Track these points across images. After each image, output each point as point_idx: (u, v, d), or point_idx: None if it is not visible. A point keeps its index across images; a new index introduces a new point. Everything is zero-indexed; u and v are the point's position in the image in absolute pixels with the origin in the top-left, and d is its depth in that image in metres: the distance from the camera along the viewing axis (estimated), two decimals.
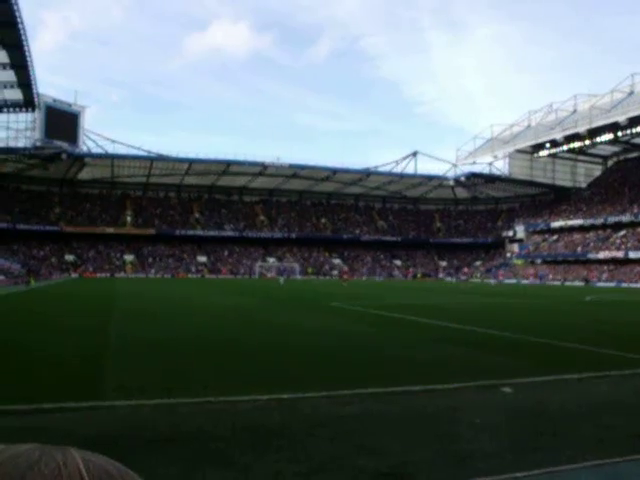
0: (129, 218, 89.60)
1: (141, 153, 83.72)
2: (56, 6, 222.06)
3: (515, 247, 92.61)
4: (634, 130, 72.06)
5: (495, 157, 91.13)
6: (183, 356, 11.25)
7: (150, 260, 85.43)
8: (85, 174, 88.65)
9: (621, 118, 67.72)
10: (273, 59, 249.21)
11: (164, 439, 5.98)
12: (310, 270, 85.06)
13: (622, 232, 76.17)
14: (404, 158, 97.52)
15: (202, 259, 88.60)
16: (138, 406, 7.22)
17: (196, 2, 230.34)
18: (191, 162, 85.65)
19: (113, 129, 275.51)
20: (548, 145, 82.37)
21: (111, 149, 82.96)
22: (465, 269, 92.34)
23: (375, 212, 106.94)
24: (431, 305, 28.00)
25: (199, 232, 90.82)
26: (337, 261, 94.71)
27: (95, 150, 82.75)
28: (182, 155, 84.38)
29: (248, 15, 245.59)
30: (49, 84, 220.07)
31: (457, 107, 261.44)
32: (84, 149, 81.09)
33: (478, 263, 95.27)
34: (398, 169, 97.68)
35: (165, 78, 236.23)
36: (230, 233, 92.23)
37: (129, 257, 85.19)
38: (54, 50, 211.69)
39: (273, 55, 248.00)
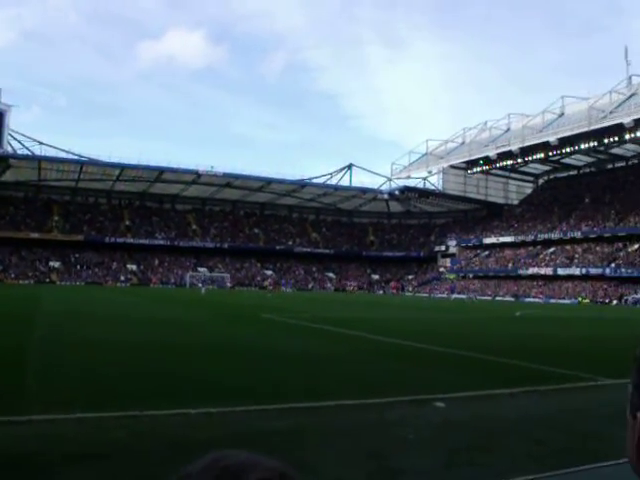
0: (56, 223, 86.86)
1: (70, 156, 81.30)
2: (10, 3, 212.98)
3: (447, 262, 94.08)
4: (564, 150, 75.05)
5: (430, 172, 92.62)
6: (108, 366, 10.76)
7: (78, 267, 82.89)
8: (9, 176, 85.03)
9: (552, 138, 70.10)
10: (216, 69, 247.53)
11: (82, 455, 5.65)
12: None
13: (551, 249, 78.54)
14: (339, 170, 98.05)
15: (132, 267, 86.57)
16: (59, 420, 6.81)
17: (150, 10, 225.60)
18: (123, 168, 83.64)
19: (53, 134, 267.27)
20: (481, 162, 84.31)
21: (38, 151, 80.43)
22: (393, 283, 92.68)
23: (309, 224, 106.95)
24: (361, 318, 28.08)
25: (129, 240, 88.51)
26: (269, 272, 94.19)
27: (21, 151, 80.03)
28: (114, 160, 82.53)
29: (199, 26, 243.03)
30: None
31: (394, 121, 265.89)
32: (9, 150, 78.22)
33: (411, 277, 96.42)
34: (333, 181, 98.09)
35: (111, 84, 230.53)
36: (161, 242, 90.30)
37: (55, 264, 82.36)
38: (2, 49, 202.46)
39: (217, 66, 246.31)
